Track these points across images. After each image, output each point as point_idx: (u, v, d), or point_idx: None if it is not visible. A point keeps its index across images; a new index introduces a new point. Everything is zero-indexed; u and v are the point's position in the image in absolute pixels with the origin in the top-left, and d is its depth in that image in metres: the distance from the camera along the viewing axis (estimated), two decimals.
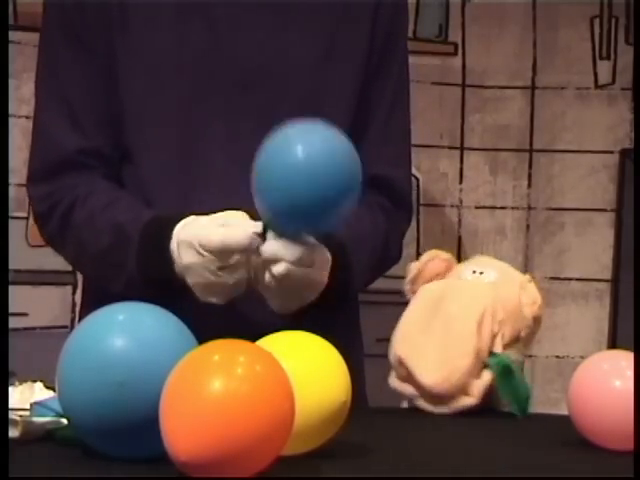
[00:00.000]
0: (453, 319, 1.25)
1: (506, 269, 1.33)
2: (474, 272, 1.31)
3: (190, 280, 1.18)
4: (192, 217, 1.22)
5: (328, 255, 1.22)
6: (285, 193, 1.10)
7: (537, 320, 1.30)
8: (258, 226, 1.16)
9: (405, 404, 1.31)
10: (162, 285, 1.20)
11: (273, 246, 1.15)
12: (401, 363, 1.27)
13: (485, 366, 1.25)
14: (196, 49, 1.33)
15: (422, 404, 1.27)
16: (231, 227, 1.16)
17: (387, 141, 1.42)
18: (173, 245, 1.20)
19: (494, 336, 1.26)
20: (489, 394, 1.26)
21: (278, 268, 1.15)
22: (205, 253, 1.16)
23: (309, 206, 1.10)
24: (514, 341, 1.29)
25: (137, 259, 1.24)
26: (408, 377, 1.26)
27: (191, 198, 1.32)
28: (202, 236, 1.17)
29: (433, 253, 1.35)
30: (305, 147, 1.10)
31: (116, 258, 1.27)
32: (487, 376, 1.25)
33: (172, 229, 1.21)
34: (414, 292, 1.31)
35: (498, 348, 1.26)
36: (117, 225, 1.27)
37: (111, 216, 1.28)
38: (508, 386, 1.24)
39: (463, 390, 1.24)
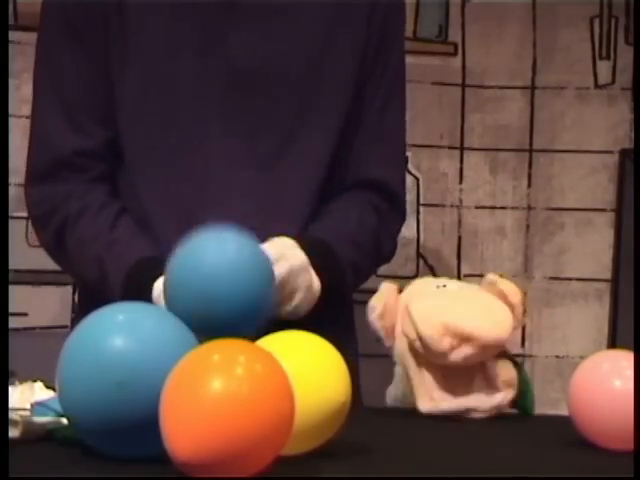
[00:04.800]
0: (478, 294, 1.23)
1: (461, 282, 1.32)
2: (437, 287, 1.28)
3: None
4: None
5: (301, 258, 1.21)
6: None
7: (521, 307, 1.27)
8: None
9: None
10: None
11: None
12: (447, 331, 1.18)
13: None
14: (191, 51, 1.33)
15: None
16: None
17: (380, 142, 1.42)
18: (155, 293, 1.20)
19: None
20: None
21: None
22: None
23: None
24: None
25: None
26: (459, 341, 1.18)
27: (185, 201, 1.32)
28: None
29: (389, 285, 1.31)
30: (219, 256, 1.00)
31: (102, 292, 1.28)
32: (501, 397, 1.23)
33: (154, 280, 1.21)
34: (384, 327, 1.28)
35: None
36: (102, 266, 1.29)
37: (97, 252, 1.30)
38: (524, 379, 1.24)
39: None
